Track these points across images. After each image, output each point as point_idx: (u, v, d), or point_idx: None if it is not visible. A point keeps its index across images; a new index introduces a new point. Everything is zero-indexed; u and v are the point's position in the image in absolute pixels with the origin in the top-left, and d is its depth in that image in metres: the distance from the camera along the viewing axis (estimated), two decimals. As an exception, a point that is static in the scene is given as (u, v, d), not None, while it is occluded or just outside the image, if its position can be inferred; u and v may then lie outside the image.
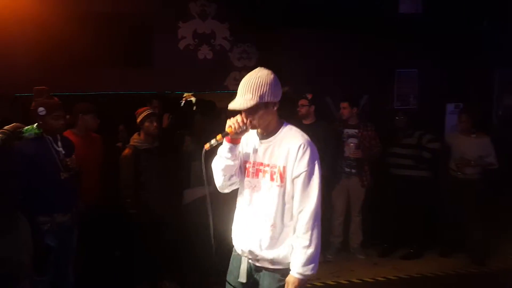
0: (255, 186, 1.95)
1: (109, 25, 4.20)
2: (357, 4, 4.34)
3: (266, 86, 1.81)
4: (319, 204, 1.85)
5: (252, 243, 1.93)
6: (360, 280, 4.02)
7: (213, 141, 1.85)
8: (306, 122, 4.12)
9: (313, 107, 4.11)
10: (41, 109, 2.78)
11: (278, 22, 4.31)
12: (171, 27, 4.37)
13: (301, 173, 1.84)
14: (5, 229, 2.40)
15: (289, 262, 1.88)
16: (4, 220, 2.41)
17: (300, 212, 1.86)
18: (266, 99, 1.81)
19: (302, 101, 4.09)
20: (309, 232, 1.83)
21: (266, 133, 1.94)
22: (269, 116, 1.87)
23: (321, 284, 3.94)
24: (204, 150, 1.86)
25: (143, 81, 4.30)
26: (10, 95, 4.25)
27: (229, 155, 1.91)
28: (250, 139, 2.00)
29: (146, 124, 3.49)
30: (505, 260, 4.39)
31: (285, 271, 1.90)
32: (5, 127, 2.42)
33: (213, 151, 1.91)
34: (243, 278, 2.01)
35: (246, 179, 1.98)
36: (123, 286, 3.62)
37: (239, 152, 1.99)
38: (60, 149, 2.88)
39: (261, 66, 1.89)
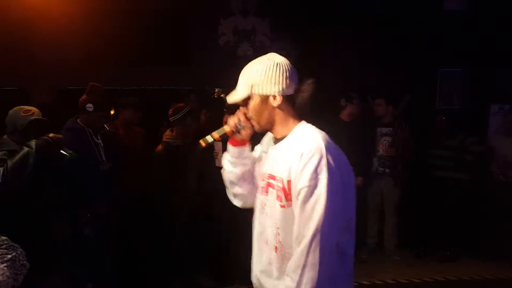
0: (264, 205, 1.57)
1: (151, 22, 4.27)
2: (401, 2, 4.24)
3: (262, 75, 1.46)
4: (325, 234, 1.35)
5: (257, 272, 1.62)
6: (395, 281, 4.00)
7: (208, 138, 1.59)
8: (346, 119, 4.15)
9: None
10: (89, 105, 2.88)
11: (318, 19, 4.27)
12: (211, 24, 4.40)
13: (301, 190, 1.38)
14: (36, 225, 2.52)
15: None
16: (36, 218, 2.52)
17: (298, 242, 1.39)
18: (259, 90, 1.47)
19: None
20: (299, 271, 1.37)
21: (279, 136, 1.54)
22: (269, 112, 1.49)
23: (356, 284, 3.93)
24: (199, 147, 1.64)
25: (183, 78, 4.36)
26: (55, 87, 4.42)
27: (231, 158, 1.63)
28: (267, 146, 1.64)
29: (189, 120, 3.50)
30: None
31: None
32: (50, 135, 2.49)
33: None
34: None
35: (257, 195, 1.63)
36: (159, 278, 3.69)
37: (250, 159, 1.65)
38: (100, 141, 2.98)
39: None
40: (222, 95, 5.04)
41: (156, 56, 4.34)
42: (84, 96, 2.94)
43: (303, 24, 4.29)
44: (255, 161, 1.66)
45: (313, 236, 1.35)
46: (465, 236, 4.37)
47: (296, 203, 1.40)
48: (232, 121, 1.57)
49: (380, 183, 4.34)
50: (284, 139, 1.52)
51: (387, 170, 4.28)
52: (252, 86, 1.48)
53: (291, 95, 1.49)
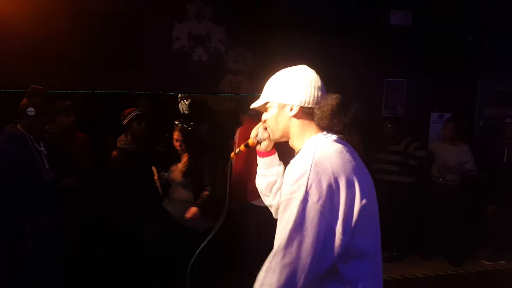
0: None
1: (103, 24, 4.12)
2: (351, 13, 4.45)
3: (279, 84, 1.45)
4: (290, 252, 1.23)
5: None
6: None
7: (237, 150, 1.64)
8: None
9: None
10: (30, 109, 2.71)
11: (274, 27, 4.36)
12: (166, 28, 4.33)
13: (281, 202, 1.32)
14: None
15: None
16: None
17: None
18: (276, 98, 1.44)
19: None
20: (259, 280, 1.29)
21: (296, 150, 1.49)
22: (285, 122, 1.44)
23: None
24: (230, 159, 1.69)
25: (136, 81, 4.25)
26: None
27: (261, 170, 1.64)
28: None
29: (134, 125, 3.47)
30: (480, 264, 4.64)
31: None
32: None
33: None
34: None
35: None
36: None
37: (280, 169, 1.63)
38: (42, 148, 2.82)
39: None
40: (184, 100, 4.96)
41: (106, 58, 4.19)
42: (24, 100, 2.75)
43: (257, 31, 4.35)
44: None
45: (275, 252, 1.27)
46: (410, 236, 4.64)
47: None
48: (252, 134, 1.59)
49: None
50: (298, 153, 1.44)
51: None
52: (271, 95, 1.46)
53: (311, 107, 1.41)
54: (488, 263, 4.63)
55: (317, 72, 1.50)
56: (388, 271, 4.37)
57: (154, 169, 3.51)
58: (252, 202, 3.60)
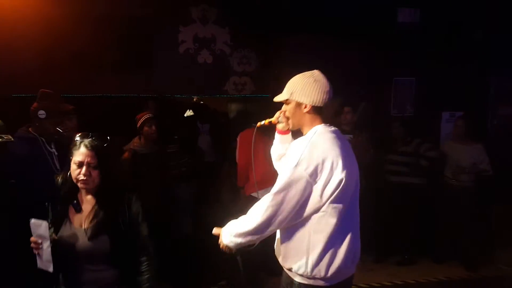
0: None
1: (110, 28, 4.20)
2: (357, 12, 4.39)
3: (298, 86, 1.86)
4: (279, 199, 1.75)
5: None
6: (355, 286, 4.05)
7: (262, 122, 2.11)
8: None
9: None
10: (41, 112, 2.77)
11: (278, 28, 4.35)
12: (171, 31, 4.38)
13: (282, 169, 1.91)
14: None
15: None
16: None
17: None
18: (295, 97, 1.87)
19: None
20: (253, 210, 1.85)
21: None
22: (300, 115, 1.89)
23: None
24: (256, 127, 2.13)
25: (143, 84, 4.30)
26: (8, 95, 4.22)
27: (277, 143, 2.14)
28: None
29: (145, 128, 3.51)
30: (496, 268, 4.46)
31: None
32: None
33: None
34: None
35: None
36: None
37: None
38: (53, 150, 2.85)
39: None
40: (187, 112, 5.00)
41: (114, 62, 4.26)
42: (35, 104, 2.82)
43: (262, 32, 4.35)
44: None
45: (267, 195, 1.79)
46: (422, 239, 4.50)
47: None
48: (275, 116, 2.04)
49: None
50: (303, 136, 1.93)
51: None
52: (291, 93, 1.88)
53: (319, 106, 1.86)
54: (506, 268, 4.44)
55: (322, 72, 1.91)
56: (400, 275, 4.27)
57: None
58: (252, 194, 3.60)
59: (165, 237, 3.64)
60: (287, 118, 1.96)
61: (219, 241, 1.93)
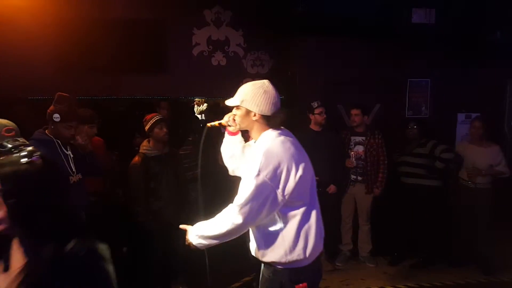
0: None
1: (125, 31, 4.25)
2: (371, 13, 4.37)
3: (249, 95, 1.98)
4: (246, 210, 1.89)
5: None
6: (369, 288, 4.04)
7: (213, 123, 2.23)
8: (318, 129, 4.18)
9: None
10: (56, 115, 2.82)
11: (292, 30, 4.35)
12: (185, 34, 4.41)
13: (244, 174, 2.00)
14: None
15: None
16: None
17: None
18: (245, 104, 1.99)
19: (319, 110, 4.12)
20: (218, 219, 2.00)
21: (254, 139, 2.12)
22: (248, 122, 2.03)
23: (331, 292, 3.96)
24: (206, 127, 2.21)
25: (158, 87, 4.34)
26: (25, 98, 4.30)
27: (226, 143, 2.28)
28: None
29: (156, 130, 3.46)
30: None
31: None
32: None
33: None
34: None
35: None
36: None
37: (239, 146, 2.26)
38: (69, 152, 2.92)
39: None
40: (200, 107, 5.02)
41: (129, 65, 4.31)
42: (51, 107, 2.87)
43: (275, 34, 4.36)
44: (245, 148, 2.27)
45: (233, 206, 1.93)
46: (437, 242, 4.45)
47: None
48: (225, 118, 2.16)
49: (353, 191, 4.41)
50: (256, 143, 2.06)
51: (359, 178, 4.36)
52: (242, 101, 2.00)
53: (267, 115, 2.00)
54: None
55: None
56: (415, 278, 4.22)
57: None
58: None
59: (183, 237, 3.66)
60: (235, 121, 2.09)
61: (186, 237, 2.09)
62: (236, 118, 2.06)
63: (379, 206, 4.44)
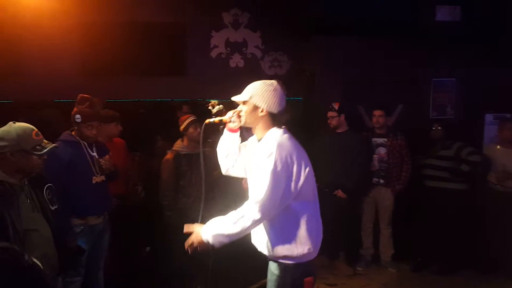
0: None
1: (145, 35, 4.32)
2: (393, 12, 4.26)
3: (258, 91, 2.06)
4: (265, 203, 1.94)
5: None
6: (391, 294, 3.93)
7: (211, 120, 2.26)
8: (338, 130, 4.11)
9: (343, 116, 4.07)
10: (77, 116, 2.90)
11: (310, 31, 4.30)
12: (204, 36, 4.45)
13: (256, 169, 2.04)
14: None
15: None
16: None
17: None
18: (254, 100, 2.06)
19: (330, 113, 4.06)
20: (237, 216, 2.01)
21: (258, 137, 2.18)
22: (254, 117, 2.09)
23: (351, 297, 3.87)
24: (204, 124, 2.24)
25: (176, 89, 4.39)
26: (50, 101, 4.46)
27: (225, 140, 2.30)
28: (251, 142, 2.29)
29: (190, 130, 3.58)
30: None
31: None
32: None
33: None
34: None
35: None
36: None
37: (237, 144, 2.30)
38: (94, 153, 2.98)
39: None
40: (218, 107, 5.04)
41: (149, 68, 4.38)
42: (74, 109, 2.96)
43: (293, 36, 4.32)
44: (241, 147, 2.32)
45: (253, 202, 1.95)
46: (463, 247, 4.27)
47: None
48: (228, 114, 2.19)
49: (374, 194, 4.31)
50: (260, 141, 2.12)
51: (381, 181, 4.26)
52: (251, 96, 2.07)
53: (273, 113, 2.07)
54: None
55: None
56: (439, 285, 4.08)
57: None
58: None
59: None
60: (240, 117, 2.14)
61: (192, 238, 2.09)
62: (242, 113, 2.11)
63: (402, 209, 4.31)
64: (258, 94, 2.05)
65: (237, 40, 4.46)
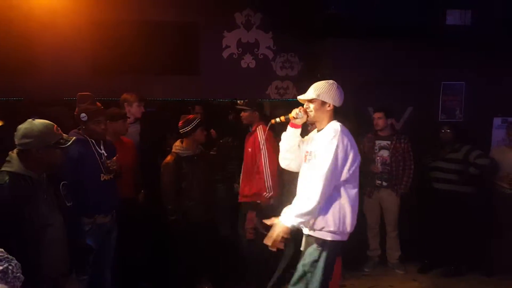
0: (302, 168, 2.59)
1: (157, 33, 4.33)
2: (403, 15, 4.28)
3: (325, 89, 2.42)
4: (327, 179, 2.30)
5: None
6: (398, 295, 3.95)
7: (277, 119, 2.55)
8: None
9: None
10: (83, 115, 2.87)
11: (322, 32, 4.32)
12: (216, 37, 4.46)
13: (316, 152, 2.42)
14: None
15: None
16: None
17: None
18: (322, 97, 2.41)
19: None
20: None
21: (319, 128, 2.50)
22: (322, 112, 2.43)
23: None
24: (270, 123, 2.60)
25: (188, 89, 4.40)
26: (61, 99, 4.45)
27: (288, 135, 2.59)
28: (309, 138, 2.60)
29: (198, 132, 3.51)
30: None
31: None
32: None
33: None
34: (302, 247, 2.56)
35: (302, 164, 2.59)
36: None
37: (297, 139, 2.60)
38: (103, 151, 2.97)
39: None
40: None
41: (161, 67, 4.39)
42: (76, 109, 2.92)
43: (304, 37, 4.34)
44: (301, 142, 2.62)
45: (317, 180, 2.31)
46: (470, 250, 4.31)
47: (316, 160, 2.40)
48: (294, 111, 2.49)
49: (378, 196, 4.33)
50: (322, 130, 2.46)
51: (384, 183, 4.27)
52: (318, 94, 2.42)
53: (337, 107, 2.46)
54: None
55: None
56: (446, 286, 4.10)
57: None
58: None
59: (209, 237, 3.70)
60: (307, 113, 2.45)
61: (273, 232, 2.32)
62: (310, 109, 2.45)
63: (410, 211, 4.34)
64: (325, 91, 2.41)
65: (249, 40, 4.48)
